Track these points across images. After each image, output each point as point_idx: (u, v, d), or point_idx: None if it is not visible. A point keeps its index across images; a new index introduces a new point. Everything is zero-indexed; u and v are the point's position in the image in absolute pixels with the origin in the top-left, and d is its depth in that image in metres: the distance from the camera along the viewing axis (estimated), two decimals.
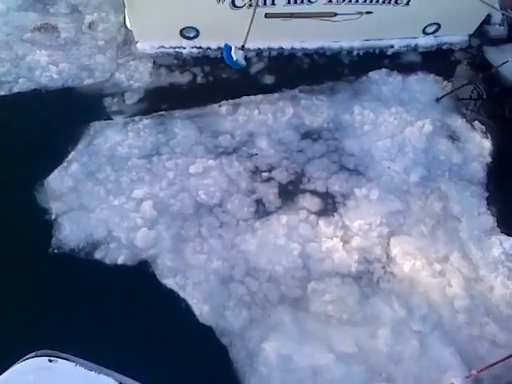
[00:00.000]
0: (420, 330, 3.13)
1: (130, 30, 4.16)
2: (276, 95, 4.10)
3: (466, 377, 2.95)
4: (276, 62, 4.32)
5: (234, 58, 3.82)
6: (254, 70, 4.29)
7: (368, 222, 3.47)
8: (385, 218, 3.49)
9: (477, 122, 4.11)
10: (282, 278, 3.23)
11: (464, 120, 4.11)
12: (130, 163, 3.63)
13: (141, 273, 3.20)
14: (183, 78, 4.18)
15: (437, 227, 3.52)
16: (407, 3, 3.91)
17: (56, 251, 3.23)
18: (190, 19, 3.99)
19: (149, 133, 3.80)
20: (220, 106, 4.00)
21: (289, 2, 3.82)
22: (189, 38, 4.14)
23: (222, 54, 4.16)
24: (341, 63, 4.40)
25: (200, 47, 4.21)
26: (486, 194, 3.73)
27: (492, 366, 2.93)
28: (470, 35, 4.55)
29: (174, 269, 3.21)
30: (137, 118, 3.88)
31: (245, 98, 4.06)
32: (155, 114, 3.92)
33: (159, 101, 4.03)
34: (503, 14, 4.65)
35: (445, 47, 4.48)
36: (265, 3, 3.82)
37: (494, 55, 4.60)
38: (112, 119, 3.87)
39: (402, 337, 3.10)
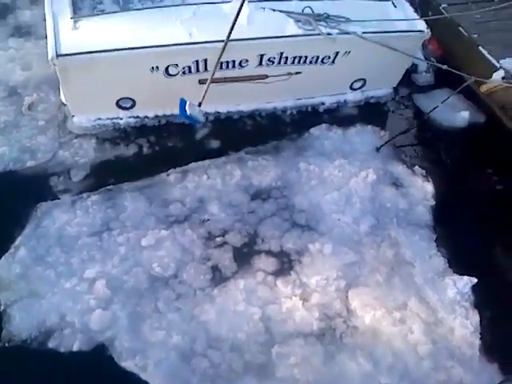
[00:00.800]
0: (388, 383, 3.12)
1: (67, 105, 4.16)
2: (223, 159, 4.16)
3: None
4: (218, 126, 4.40)
5: (188, 113, 3.81)
6: (198, 135, 4.36)
7: (325, 276, 3.49)
8: (341, 271, 3.53)
9: (417, 166, 4.28)
10: (245, 345, 3.17)
11: (405, 166, 4.28)
12: (80, 242, 3.55)
13: (98, 358, 3.07)
14: (128, 150, 4.19)
15: (392, 274, 3.58)
16: (333, 62, 4.08)
17: (7, 344, 3.07)
18: (125, 90, 4.03)
19: (98, 209, 3.75)
20: (168, 175, 4.02)
21: (221, 68, 3.89)
22: (125, 109, 4.17)
23: (159, 122, 4.29)
24: (282, 122, 4.53)
25: (137, 116, 4.25)
26: (435, 236, 3.85)
27: None
28: (398, 85, 4.78)
29: (133, 349, 3.10)
30: (85, 195, 3.83)
31: (192, 165, 4.09)
32: (103, 189, 3.88)
33: (106, 175, 4.01)
34: (429, 63, 4.92)
35: (372, 101, 4.68)
36: (198, 70, 3.90)
37: (423, 102, 4.86)
38: (59, 198, 3.80)
39: None
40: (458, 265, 3.69)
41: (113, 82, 3.88)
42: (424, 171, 4.25)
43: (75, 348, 3.09)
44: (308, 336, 3.25)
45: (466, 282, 3.51)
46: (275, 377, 3.09)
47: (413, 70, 5.02)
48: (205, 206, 3.85)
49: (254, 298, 3.37)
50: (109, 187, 3.90)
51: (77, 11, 3.79)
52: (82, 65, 3.61)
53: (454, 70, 4.25)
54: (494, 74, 4.52)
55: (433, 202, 4.06)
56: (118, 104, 4.13)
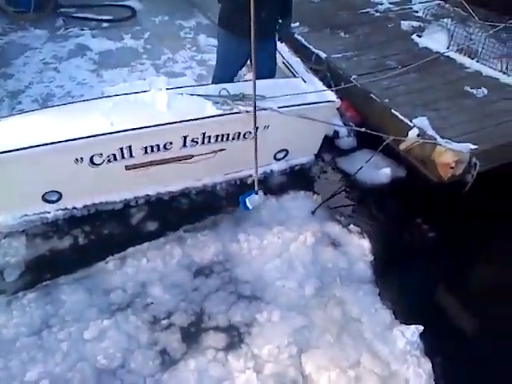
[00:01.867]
0: None
1: None
2: (161, 240, 4.14)
3: None
4: (152, 209, 4.42)
5: (251, 208, 4.07)
6: (133, 220, 4.35)
7: (276, 345, 3.44)
8: (291, 337, 3.49)
9: (352, 225, 4.43)
10: None
11: (340, 226, 4.41)
12: (19, 344, 3.35)
13: None
14: (62, 243, 4.11)
15: (341, 333, 3.57)
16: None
17: None
18: (50, 184, 3.99)
19: (35, 307, 3.58)
20: (107, 263, 3.94)
21: (146, 152, 3.99)
22: (52, 202, 4.12)
23: (89, 211, 4.27)
24: (214, 197, 4.61)
25: (65, 208, 4.20)
26: (378, 290, 3.92)
27: None
28: (322, 151, 5.03)
29: None
30: (20, 294, 3.67)
31: (131, 249, 4.04)
32: (39, 285, 3.75)
33: (42, 271, 3.89)
34: (348, 128, 5.25)
35: (297, 168, 4.88)
36: (123, 157, 3.95)
37: (346, 164, 5.14)
38: None
39: None
40: (404, 315, 3.75)
41: (37, 178, 3.84)
42: (359, 228, 4.40)
43: None
44: None
45: (414, 330, 3.56)
46: None
47: (335, 136, 5.34)
48: (147, 289, 3.77)
49: (206, 378, 3.25)
50: (45, 283, 3.77)
51: None
52: (3, 164, 3.57)
53: (372, 132, 4.56)
54: (410, 133, 4.88)
55: (371, 258, 4.17)
56: (44, 198, 4.07)
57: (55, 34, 6.00)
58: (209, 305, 3.70)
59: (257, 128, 4.12)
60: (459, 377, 3.45)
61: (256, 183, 4.15)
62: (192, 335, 3.52)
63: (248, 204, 4.09)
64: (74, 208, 4.23)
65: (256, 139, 4.01)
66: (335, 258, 4.11)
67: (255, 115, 3.90)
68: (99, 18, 6.33)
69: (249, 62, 4.43)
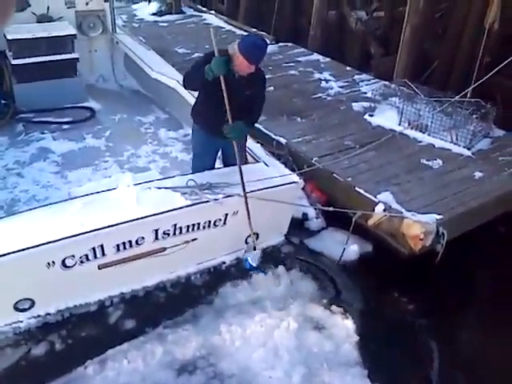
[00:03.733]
0: None
1: None
2: (141, 338, 3.98)
3: None
4: (128, 306, 4.27)
5: (255, 264, 4.13)
6: (110, 320, 4.18)
7: None
8: None
9: (333, 306, 4.38)
10: None
11: (322, 308, 4.35)
12: None
13: None
14: (36, 351, 3.89)
15: None
16: (224, 223, 4.30)
17: None
18: (22, 291, 3.84)
19: None
20: (86, 368, 3.73)
21: (118, 249, 3.94)
22: (24, 310, 3.93)
23: (63, 316, 4.07)
24: (189, 288, 4.50)
25: (38, 315, 4.00)
26: (366, 372, 3.83)
27: None
28: (292, 233, 5.09)
29: None
30: None
31: (110, 352, 3.85)
32: None
33: (19, 382, 3.68)
34: (315, 209, 5.33)
35: (268, 250, 4.85)
36: (95, 256, 3.88)
37: (316, 244, 5.21)
38: None
39: None
40: None
41: (8, 287, 3.70)
42: (341, 309, 4.35)
43: None
44: None
45: None
46: None
47: (305, 218, 5.42)
48: None
49: None
50: None
51: None
52: None
53: (340, 210, 4.68)
54: (376, 208, 5.01)
55: (356, 338, 4.10)
56: (15, 307, 3.88)
57: (16, 139, 5.99)
58: None
59: (226, 214, 4.23)
60: None
61: (253, 239, 4.22)
62: None
63: (250, 261, 4.15)
64: (48, 314, 4.03)
65: (246, 199, 4.08)
66: (320, 341, 4.02)
67: (244, 190, 4.04)
68: (59, 120, 6.40)
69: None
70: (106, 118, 6.62)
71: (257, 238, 4.72)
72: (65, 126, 6.33)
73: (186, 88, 4.47)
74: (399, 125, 6.48)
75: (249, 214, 4.13)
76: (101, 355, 3.82)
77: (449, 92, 6.56)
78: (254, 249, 4.27)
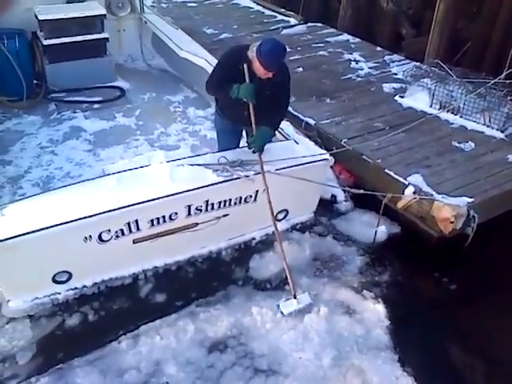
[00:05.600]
0: None
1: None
2: (174, 316, 4.05)
3: None
4: (160, 281, 4.37)
5: (286, 314, 3.98)
6: (142, 294, 4.27)
7: None
8: None
9: (364, 291, 4.37)
10: None
11: (353, 292, 4.35)
12: None
13: None
14: (72, 323, 4.01)
15: None
16: (255, 200, 4.36)
17: None
18: (60, 264, 3.97)
19: None
20: (119, 343, 3.82)
21: (152, 224, 4.04)
22: (62, 282, 4.07)
23: (99, 288, 4.19)
24: (220, 263, 4.58)
25: (75, 288, 4.14)
26: (397, 357, 3.82)
27: None
28: (320, 213, 5.13)
29: None
30: (33, 380, 3.53)
31: (143, 327, 3.94)
32: (52, 369, 3.61)
33: (54, 353, 3.77)
34: (344, 191, 5.34)
35: (297, 227, 4.93)
36: (130, 231, 3.99)
37: (344, 225, 5.18)
38: None
39: None
40: (426, 380, 3.66)
41: (47, 259, 3.84)
42: (372, 294, 4.34)
43: None
44: None
45: None
46: None
47: (333, 200, 5.41)
48: (162, 368, 3.65)
49: None
50: (58, 366, 3.63)
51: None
52: (13, 248, 3.57)
53: (370, 192, 4.66)
54: (406, 191, 4.98)
55: (387, 323, 4.09)
56: (54, 279, 4.03)
57: (49, 118, 6.11)
58: (225, 381, 3.58)
59: (257, 191, 4.27)
60: None
61: (292, 286, 4.07)
62: None
63: (282, 308, 4.02)
64: (84, 286, 4.17)
65: (284, 257, 4.11)
66: (351, 325, 4.02)
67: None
68: (90, 99, 6.48)
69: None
70: (135, 97, 6.70)
71: (286, 215, 4.84)
72: (96, 105, 6.42)
73: (208, 93, 4.47)
74: (430, 107, 6.37)
75: (284, 257, 4.13)
76: (134, 331, 3.91)
77: (482, 73, 6.40)
78: (295, 297, 4.08)
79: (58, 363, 3.68)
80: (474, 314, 4.38)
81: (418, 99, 6.50)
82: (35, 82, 6.46)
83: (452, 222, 4.67)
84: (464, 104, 6.11)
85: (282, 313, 4.02)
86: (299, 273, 4.49)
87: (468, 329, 4.23)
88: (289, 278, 4.09)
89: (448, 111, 6.19)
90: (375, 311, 4.18)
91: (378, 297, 4.33)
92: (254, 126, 4.05)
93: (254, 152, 4.13)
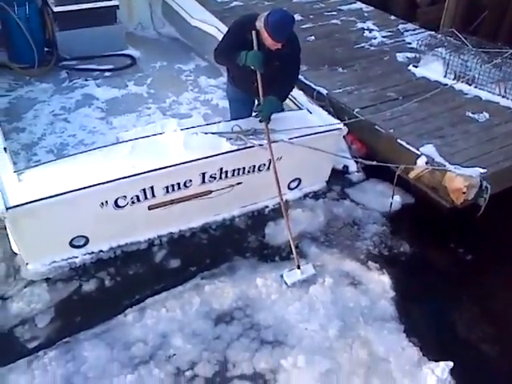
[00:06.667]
0: None
1: (18, 254, 4.13)
2: (180, 288, 4.09)
3: None
4: (175, 247, 4.45)
5: (289, 284, 4.02)
6: (157, 259, 4.35)
7: None
8: (318, 382, 3.42)
9: (370, 262, 4.39)
10: None
11: (358, 263, 4.37)
12: None
13: None
14: (88, 286, 4.11)
15: (369, 374, 3.50)
16: (268, 168, 4.40)
17: None
18: (76, 229, 4.07)
19: (56, 365, 3.47)
20: (125, 316, 3.86)
21: (167, 191, 4.12)
22: (79, 247, 4.18)
23: (115, 253, 4.29)
24: (234, 230, 4.64)
25: (92, 252, 4.25)
26: (402, 327, 3.86)
27: None
28: (333, 182, 5.16)
29: None
30: (41, 354, 3.57)
31: (149, 300, 3.98)
32: (60, 342, 3.66)
33: (71, 316, 3.89)
34: (356, 162, 5.31)
35: (310, 195, 4.99)
36: (146, 197, 4.07)
37: (357, 195, 5.18)
38: (13, 362, 3.51)
39: None
40: (432, 351, 3.69)
41: (65, 224, 3.94)
42: (377, 265, 4.36)
43: None
44: None
45: (444, 367, 3.50)
46: None
47: (345, 171, 5.40)
48: (168, 340, 3.69)
49: None
50: (65, 340, 3.68)
51: (17, 165, 3.98)
52: (32, 212, 3.67)
53: (383, 164, 4.66)
54: (418, 161, 4.95)
55: (393, 294, 4.12)
56: (71, 244, 4.14)
57: (61, 86, 6.13)
58: (232, 353, 3.63)
59: (270, 160, 4.26)
60: None
61: (296, 257, 4.12)
62: None
63: (285, 278, 4.08)
64: (101, 251, 4.27)
65: (289, 227, 4.15)
66: (356, 297, 4.06)
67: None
68: (101, 68, 6.48)
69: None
70: (146, 66, 6.68)
71: (299, 183, 4.90)
72: (107, 73, 6.43)
73: (216, 61, 4.47)
74: (445, 77, 6.27)
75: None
76: (140, 303, 3.95)
77: (499, 43, 6.26)
78: (298, 267, 4.12)
79: (76, 328, 3.78)
80: (485, 285, 4.38)
81: (432, 69, 6.39)
82: (46, 49, 6.46)
83: (464, 193, 4.66)
84: (479, 74, 6.01)
85: (285, 283, 4.08)
86: (310, 241, 4.56)
87: (477, 300, 4.24)
88: (293, 248, 4.13)
89: (462, 81, 6.08)
90: (380, 282, 4.20)
91: (383, 268, 4.34)
92: (261, 95, 4.06)
93: (260, 121, 4.14)
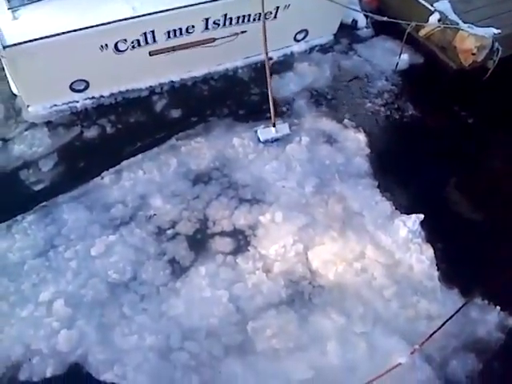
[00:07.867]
0: (363, 331, 3.21)
1: (18, 96, 4.14)
2: (155, 150, 4.07)
3: (411, 353, 3.05)
4: (175, 95, 4.41)
5: (262, 140, 4.02)
6: (158, 108, 4.31)
7: (282, 244, 3.54)
8: (296, 236, 3.58)
9: (346, 120, 4.32)
10: (219, 329, 3.18)
11: (335, 122, 4.30)
12: (27, 267, 3.40)
13: (75, 378, 2.99)
14: (90, 132, 4.14)
15: (344, 228, 3.65)
16: (275, 17, 4.23)
17: None
18: (76, 72, 4.04)
19: (36, 228, 3.59)
20: (102, 178, 3.89)
21: (169, 37, 4.01)
22: (80, 91, 4.17)
23: (116, 99, 4.28)
24: (237, 82, 4.59)
25: (93, 97, 4.24)
26: (376, 183, 3.93)
27: (431, 336, 3.09)
28: (340, 37, 4.97)
29: (109, 360, 3.04)
30: (19, 218, 3.66)
31: (125, 163, 3.98)
32: (37, 207, 3.72)
33: (74, 162, 3.97)
34: (366, 17, 5.04)
35: (317, 49, 4.84)
36: (147, 42, 3.98)
37: (365, 51, 4.99)
38: None
39: (349, 343, 3.17)
40: (404, 205, 3.79)
41: (64, 66, 3.88)
42: (353, 123, 4.30)
43: (48, 374, 2.98)
44: (279, 305, 3.29)
45: (414, 219, 3.64)
46: (256, 352, 3.11)
47: (353, 26, 5.14)
48: (147, 201, 3.77)
49: (218, 282, 3.37)
50: (43, 204, 3.74)
51: (11, 2, 3.75)
52: (30, 53, 3.60)
53: (394, 20, 4.44)
54: (430, 18, 4.65)
55: (367, 151, 4.11)
56: (71, 88, 4.11)
57: None
58: (211, 211, 3.73)
59: (277, 8, 4.15)
60: (459, 259, 3.54)
61: (272, 115, 4.05)
62: (199, 242, 3.58)
63: (259, 135, 4.06)
64: (102, 96, 4.26)
65: (269, 83, 4.00)
66: (332, 154, 4.06)
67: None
68: None
69: None
70: None
71: (306, 35, 4.72)
72: None
73: None
74: None
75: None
76: (116, 166, 3.93)
77: None
78: (274, 126, 4.06)
79: (78, 173, 3.88)
80: (478, 148, 4.34)
81: None
82: None
83: (474, 54, 4.41)
84: None
85: (258, 139, 4.05)
86: (302, 98, 4.49)
87: (463, 161, 4.22)
88: (271, 106, 4.04)
89: None
90: (356, 140, 4.18)
91: (359, 126, 4.28)
92: None
93: None
